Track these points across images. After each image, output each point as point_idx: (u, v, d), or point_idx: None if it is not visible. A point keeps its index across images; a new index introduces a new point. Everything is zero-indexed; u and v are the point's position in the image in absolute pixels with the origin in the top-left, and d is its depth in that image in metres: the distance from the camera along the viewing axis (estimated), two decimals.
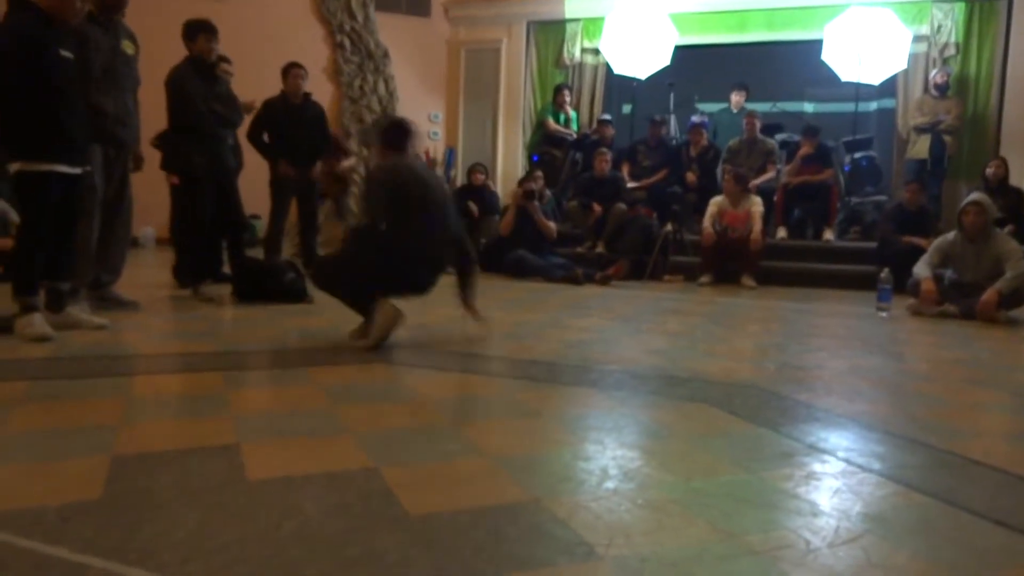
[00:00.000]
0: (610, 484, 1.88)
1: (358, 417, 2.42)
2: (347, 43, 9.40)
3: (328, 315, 4.47)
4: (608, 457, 2.10)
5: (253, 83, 6.54)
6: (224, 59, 5.54)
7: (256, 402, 2.71)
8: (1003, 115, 8.02)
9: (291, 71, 6.15)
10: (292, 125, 6.06)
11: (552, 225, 7.29)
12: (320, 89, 8.61)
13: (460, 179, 9.25)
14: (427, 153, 8.98)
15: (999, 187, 6.87)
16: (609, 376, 3.11)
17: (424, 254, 3.66)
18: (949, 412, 2.75)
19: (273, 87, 6.20)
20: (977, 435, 2.49)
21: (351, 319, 4.22)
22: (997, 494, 1.92)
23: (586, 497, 1.80)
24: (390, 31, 9.68)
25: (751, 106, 8.53)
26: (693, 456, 2.16)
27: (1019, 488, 1.97)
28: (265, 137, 6.10)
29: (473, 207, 7.84)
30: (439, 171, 9.49)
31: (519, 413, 2.57)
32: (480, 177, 8.21)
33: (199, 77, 4.86)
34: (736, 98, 8.64)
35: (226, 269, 5.42)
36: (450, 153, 9.84)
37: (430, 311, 4.64)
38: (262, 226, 7.17)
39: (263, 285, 4.81)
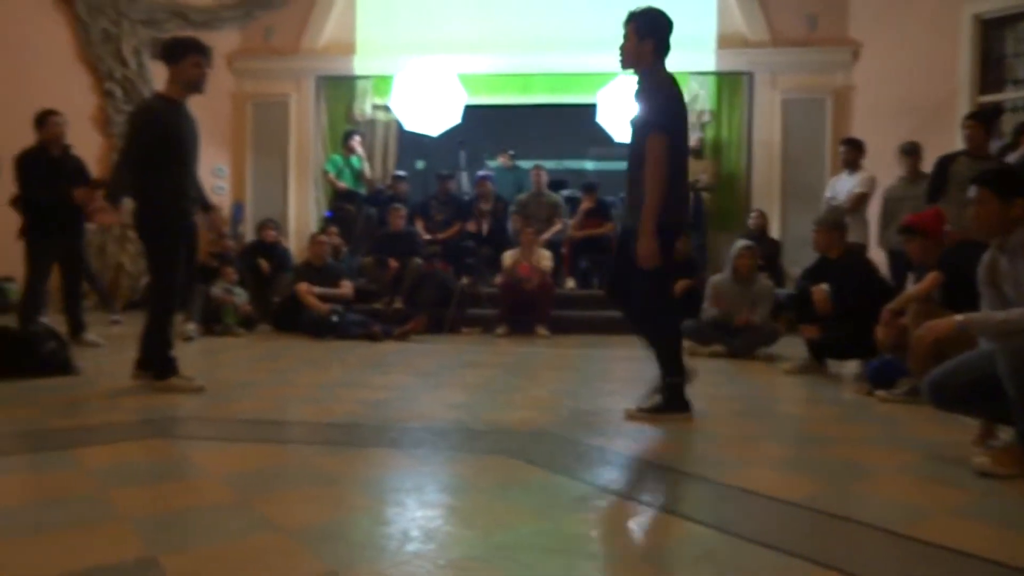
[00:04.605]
0: (411, 547, 1.84)
1: (133, 500, 2.19)
2: (118, 92, 8.73)
3: (100, 387, 4.05)
4: (409, 519, 2.06)
5: (5, 133, 5.88)
6: None
7: (7, 493, 2.37)
8: (751, 174, 9.08)
9: (49, 119, 5.59)
10: (52, 180, 5.48)
11: (346, 285, 7.10)
12: (88, 140, 7.92)
13: (249, 235, 8.86)
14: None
15: (761, 237, 7.69)
16: (409, 434, 3.07)
17: None
18: (722, 445, 3.00)
19: (30, 137, 5.60)
20: (746, 465, 2.73)
21: (125, 392, 3.86)
22: (764, 519, 2.11)
23: (386, 564, 1.74)
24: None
25: (538, 162, 8.99)
26: (494, 509, 2.17)
27: (782, 512, 2.18)
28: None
29: (264, 264, 7.53)
30: (226, 228, 9.03)
31: (316, 481, 2.46)
32: (271, 233, 7.91)
33: None
34: (503, 159, 9.26)
35: None
36: (238, 208, 9.42)
37: (215, 374, 4.35)
38: (16, 290, 6.39)
39: (17, 357, 4.25)
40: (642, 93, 3.34)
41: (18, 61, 7.93)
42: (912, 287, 4.02)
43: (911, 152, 6.22)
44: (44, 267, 5.56)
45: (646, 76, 3.35)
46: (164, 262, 3.83)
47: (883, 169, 6.61)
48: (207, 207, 4.23)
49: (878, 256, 6.24)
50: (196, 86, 3.91)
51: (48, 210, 5.45)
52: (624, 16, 3.38)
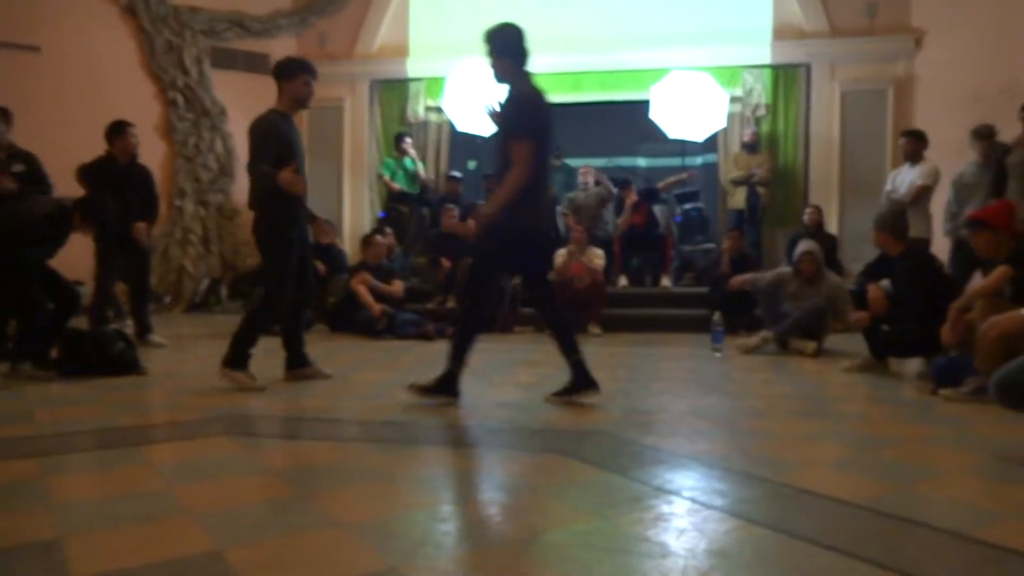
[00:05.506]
0: (468, 545, 1.86)
1: (198, 496, 2.26)
2: (180, 100, 9.03)
3: (164, 386, 4.19)
4: (465, 517, 2.08)
5: (75, 142, 6.11)
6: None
7: (80, 489, 2.47)
8: (809, 168, 8.90)
9: (126, 130, 5.77)
10: (119, 188, 5.67)
11: (397, 284, 7.20)
12: (152, 147, 8.19)
13: None
14: None
15: (817, 232, 7.53)
16: (463, 433, 3.11)
17: None
18: (781, 445, 2.95)
19: (98, 146, 5.80)
20: (806, 465, 2.68)
21: (189, 391, 3.98)
22: (825, 520, 2.07)
23: (444, 561, 1.77)
24: (227, 88, 9.41)
25: (588, 161, 8.98)
26: (549, 508, 2.18)
27: (844, 513, 2.13)
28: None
29: (320, 265, 7.67)
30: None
31: (373, 478, 2.50)
32: (327, 235, 8.06)
33: None
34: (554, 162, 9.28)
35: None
36: None
37: (275, 374, 4.45)
38: (86, 293, 6.64)
39: (88, 357, 4.42)
40: (509, 103, 3.53)
41: (87, 72, 8.24)
42: (979, 282, 3.90)
43: (986, 136, 5.92)
44: (112, 271, 5.76)
45: (513, 86, 3.55)
46: (276, 268, 4.03)
47: (947, 161, 6.40)
48: (312, 218, 4.42)
49: (943, 248, 6.04)
50: (304, 102, 4.21)
51: (114, 218, 5.63)
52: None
